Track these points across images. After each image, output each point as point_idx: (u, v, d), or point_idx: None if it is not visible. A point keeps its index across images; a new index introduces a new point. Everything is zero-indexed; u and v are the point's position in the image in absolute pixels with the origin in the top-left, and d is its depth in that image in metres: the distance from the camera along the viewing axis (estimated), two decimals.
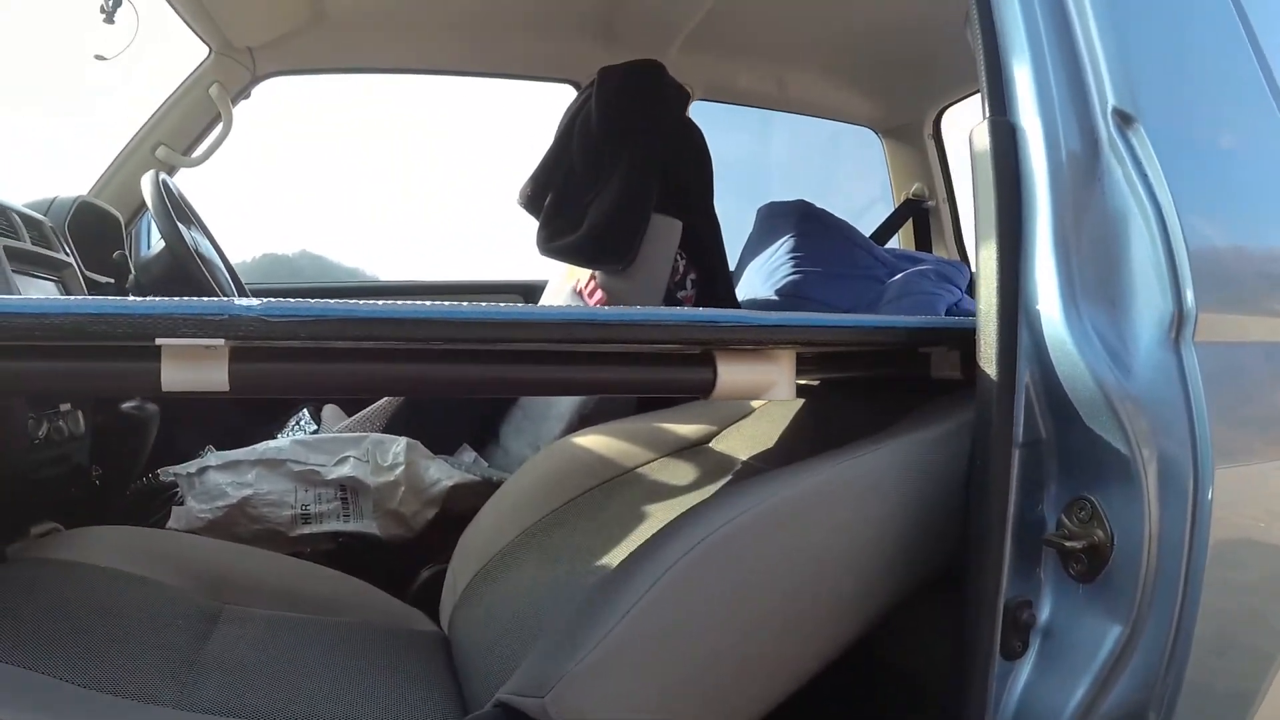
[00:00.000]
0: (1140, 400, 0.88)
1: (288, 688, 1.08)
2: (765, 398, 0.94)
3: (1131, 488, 0.87)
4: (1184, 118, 1.00)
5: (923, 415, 1.06)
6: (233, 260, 2.15)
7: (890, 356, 1.15)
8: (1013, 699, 0.94)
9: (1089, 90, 0.96)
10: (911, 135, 2.64)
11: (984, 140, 0.94)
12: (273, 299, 0.74)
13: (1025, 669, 0.94)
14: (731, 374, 0.90)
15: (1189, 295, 0.90)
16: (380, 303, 0.76)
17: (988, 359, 0.91)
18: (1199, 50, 1.08)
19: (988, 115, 0.95)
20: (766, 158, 3.03)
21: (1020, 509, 0.93)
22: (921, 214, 2.67)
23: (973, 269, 2.51)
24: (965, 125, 2.68)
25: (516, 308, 0.78)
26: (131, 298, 0.72)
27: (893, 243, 2.69)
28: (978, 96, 0.94)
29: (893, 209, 2.68)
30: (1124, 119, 0.94)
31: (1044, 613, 0.94)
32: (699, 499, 1.31)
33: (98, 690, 0.95)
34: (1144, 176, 0.93)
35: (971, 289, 2.43)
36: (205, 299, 0.73)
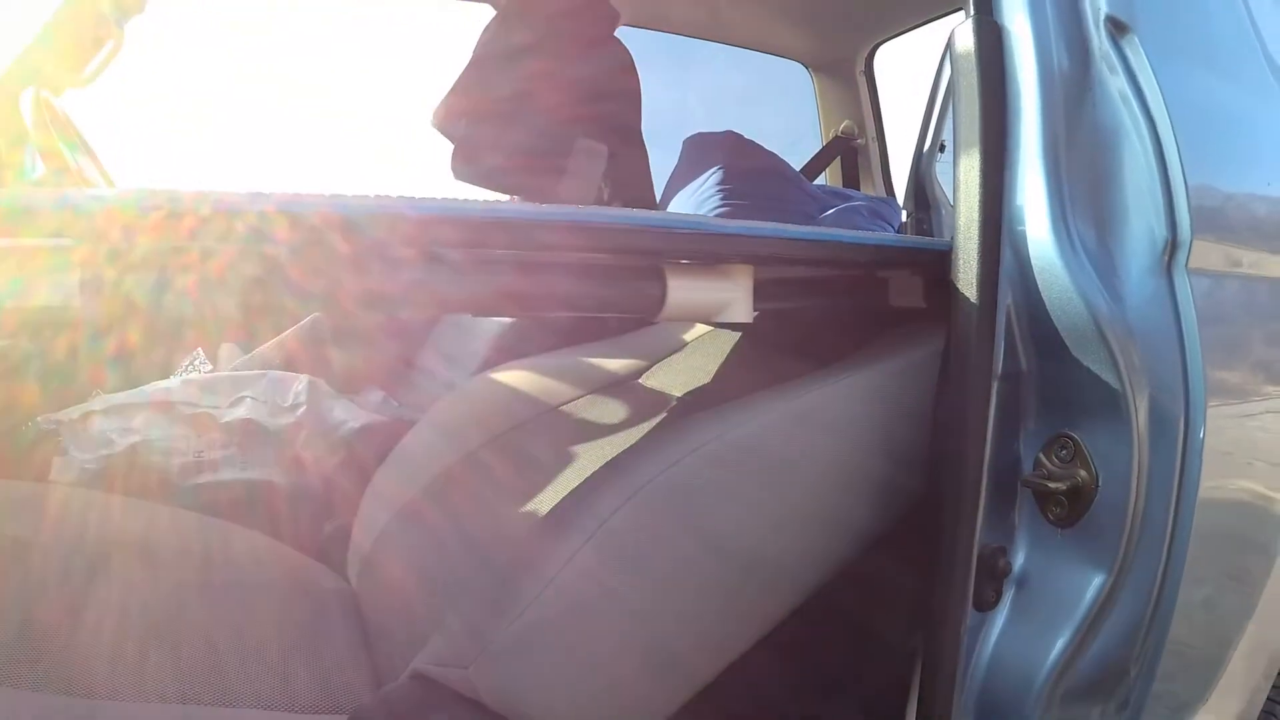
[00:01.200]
0: (1132, 330, 0.80)
1: (179, 662, 0.96)
2: (720, 319, 0.83)
3: (1119, 425, 0.80)
4: (1182, 29, 0.92)
5: (883, 345, 0.97)
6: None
7: (845, 283, 1.06)
8: (985, 652, 0.87)
9: None
10: (843, 71, 2.54)
11: (968, 40, 0.85)
12: (128, 189, 0.60)
13: (999, 620, 0.87)
14: (682, 291, 0.79)
15: (1184, 219, 0.83)
16: (308, 193, 0.63)
17: (966, 281, 0.83)
18: None
19: (972, 13, 0.85)
20: (692, 90, 2.92)
21: (997, 445, 0.85)
22: (850, 152, 2.59)
23: (903, 208, 2.45)
24: (896, 63, 2.61)
25: (429, 199, 0.65)
26: None
27: (820, 179, 2.61)
28: (910, 34, 0.86)
29: (821, 145, 2.60)
30: (1117, 27, 0.86)
31: (1018, 561, 0.87)
32: (630, 440, 1.20)
33: None
34: (1138, 90, 0.85)
35: (903, 230, 2.37)
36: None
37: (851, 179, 2.60)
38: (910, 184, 2.56)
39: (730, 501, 0.80)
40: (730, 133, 2.18)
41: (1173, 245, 0.83)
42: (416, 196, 0.66)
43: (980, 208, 0.82)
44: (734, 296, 0.82)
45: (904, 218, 2.48)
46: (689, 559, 0.77)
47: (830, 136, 2.58)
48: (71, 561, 1.10)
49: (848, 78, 2.55)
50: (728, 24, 2.39)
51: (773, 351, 1.27)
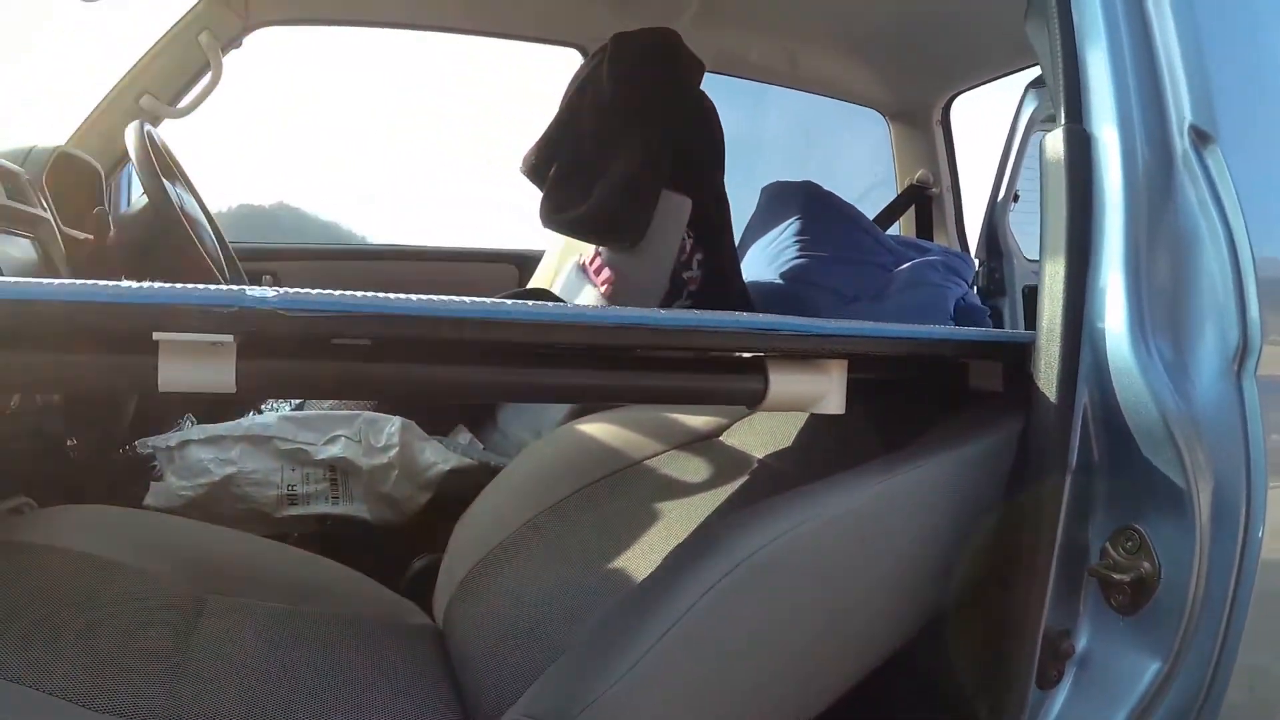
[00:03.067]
0: (1200, 432, 0.84)
1: (277, 696, 1.02)
2: (815, 410, 0.89)
3: (1183, 520, 0.84)
4: (1262, 140, 0.96)
5: (960, 429, 1.02)
6: (214, 209, 2.07)
7: (925, 363, 1.11)
8: None
9: (1166, 103, 0.92)
10: (919, 121, 2.59)
11: (1058, 148, 0.90)
12: (289, 290, 0.66)
13: (1059, 698, 0.92)
14: (783, 384, 0.85)
15: (1255, 326, 0.87)
16: (414, 298, 0.69)
17: (1047, 379, 0.88)
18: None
19: (1063, 122, 0.91)
20: (769, 135, 2.97)
21: (1068, 533, 0.89)
22: (924, 201, 2.63)
23: (974, 257, 2.48)
24: (974, 113, 2.64)
25: (559, 308, 0.72)
26: (126, 283, 0.65)
27: (894, 229, 2.65)
28: (988, 85, 0.90)
29: (896, 194, 2.64)
30: (1201, 137, 0.90)
31: (1081, 642, 0.91)
32: (714, 499, 1.26)
33: (64, 699, 0.86)
34: (1217, 199, 0.89)
35: (975, 280, 2.40)
36: (212, 289, 0.65)
37: (925, 228, 2.64)
38: (983, 233, 2.60)
39: (823, 578, 0.86)
40: (808, 182, 2.23)
41: (1243, 351, 0.87)
42: (533, 304, 0.72)
43: (1064, 309, 0.87)
44: (829, 389, 0.88)
45: (976, 266, 2.52)
46: (773, 631, 0.84)
47: (905, 185, 2.63)
48: (175, 593, 1.16)
49: (924, 127, 2.59)
50: (806, 70, 2.45)
51: (852, 420, 1.32)
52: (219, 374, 0.69)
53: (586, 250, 1.92)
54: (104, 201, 1.92)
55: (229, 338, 0.67)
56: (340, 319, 0.66)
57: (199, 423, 1.80)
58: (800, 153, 3.03)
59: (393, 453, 1.66)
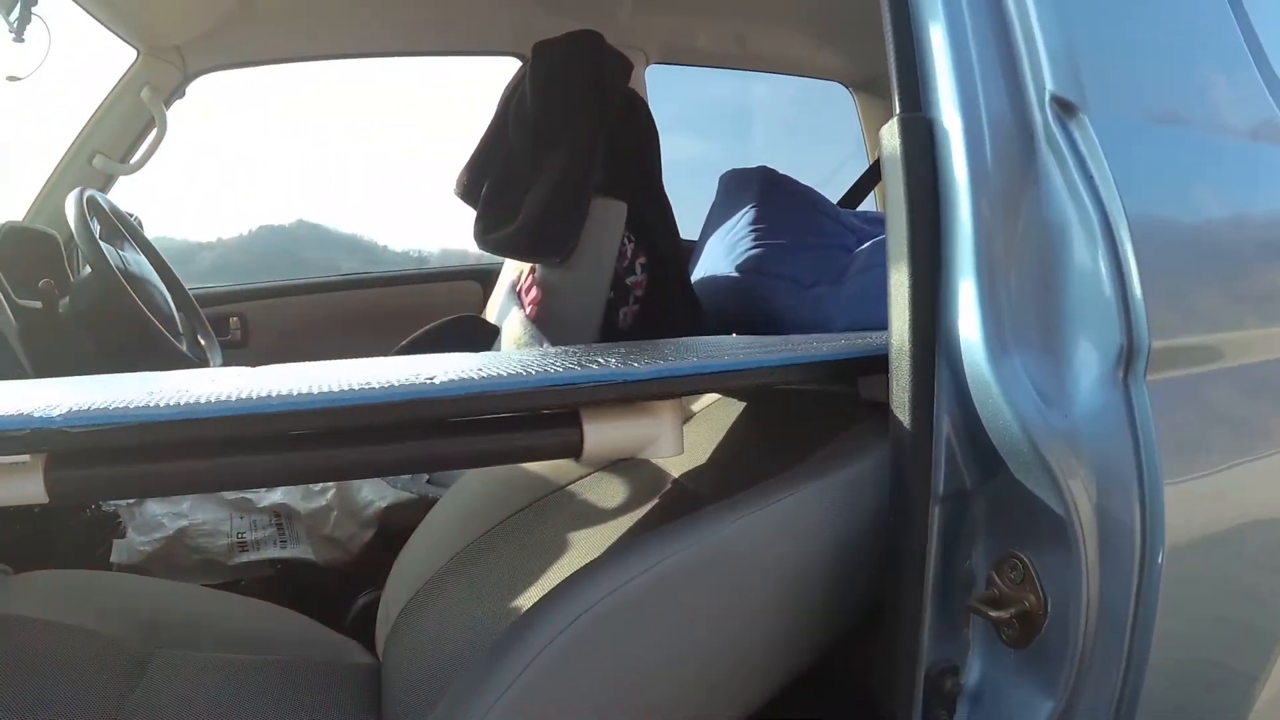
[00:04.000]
0: (1079, 451, 0.75)
1: None
2: (646, 455, 0.82)
3: (1067, 550, 0.76)
4: (1137, 106, 0.86)
5: (846, 447, 0.94)
6: (230, 237, 2.08)
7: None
8: None
9: (1022, 73, 0.82)
10: (884, 87, 2.48)
11: (894, 141, 0.81)
12: (76, 408, 0.63)
13: None
14: (601, 434, 0.79)
15: (1141, 324, 0.77)
16: (200, 398, 0.66)
17: (900, 403, 0.80)
18: (1163, 21, 0.94)
19: (897, 112, 0.82)
20: (747, 113, 2.89)
21: (944, 565, 0.81)
22: None
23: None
24: None
25: (338, 392, 0.67)
26: None
27: (868, 203, 2.54)
28: None
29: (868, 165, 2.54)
30: (1064, 108, 0.80)
31: (972, 677, 0.83)
32: (626, 524, 1.21)
33: None
34: (1088, 178, 0.79)
35: None
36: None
37: None
38: None
39: (679, 621, 0.80)
40: (763, 168, 2.15)
41: (1129, 353, 0.77)
42: (322, 388, 0.68)
43: (911, 324, 0.79)
44: (659, 432, 0.80)
45: None
46: (630, 674, 0.78)
47: (876, 155, 2.52)
48: (122, 650, 1.16)
49: (890, 95, 2.48)
50: (758, 50, 2.36)
51: (770, 429, 1.25)
52: (28, 487, 0.68)
53: (524, 269, 1.87)
54: (73, 269, 1.97)
55: (26, 458, 0.67)
56: (118, 430, 0.64)
57: None
58: (778, 132, 2.94)
59: (330, 494, 1.64)
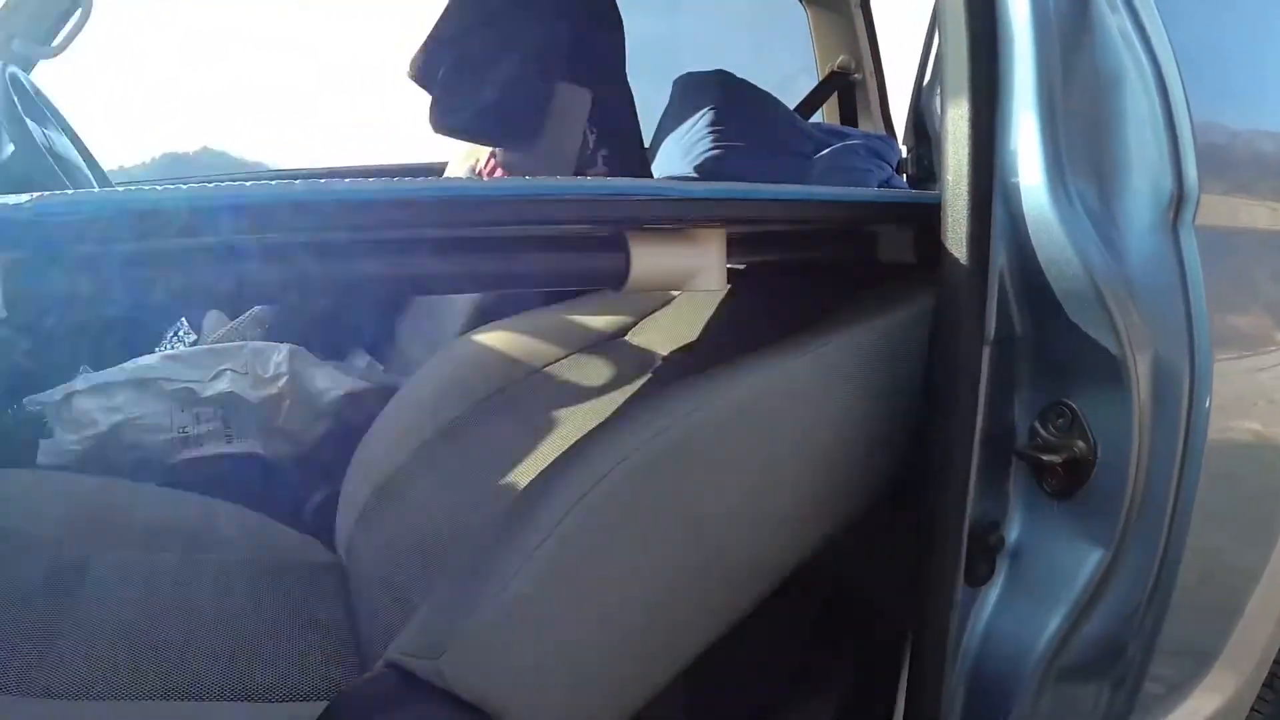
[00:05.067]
0: (1134, 291, 0.75)
1: (167, 653, 0.94)
2: (689, 288, 0.78)
3: (1120, 393, 0.75)
4: None
5: (873, 302, 0.92)
6: (129, 164, 1.93)
7: (830, 237, 1.00)
8: (978, 630, 0.83)
9: None
10: (838, 3, 2.45)
11: None
12: (46, 195, 0.55)
13: (992, 596, 0.83)
14: (648, 260, 0.74)
15: (1191, 172, 0.76)
16: (189, 185, 0.58)
17: (955, 239, 0.77)
18: None
19: None
20: (682, 30, 2.83)
21: (987, 417, 0.80)
22: (847, 88, 2.50)
23: (902, 144, 2.37)
24: None
25: (371, 185, 0.59)
26: None
27: (817, 117, 2.52)
28: None
29: (817, 82, 2.51)
30: None
31: (1013, 534, 0.83)
32: (613, 402, 1.16)
33: None
34: (1141, 30, 0.78)
35: (902, 167, 2.30)
36: None
37: (849, 116, 2.52)
38: (910, 118, 2.48)
39: (714, 475, 0.76)
40: (721, 72, 2.10)
41: (1179, 200, 0.77)
42: (358, 179, 0.61)
43: (970, 159, 0.76)
44: (704, 263, 0.76)
45: (904, 153, 2.41)
46: (663, 538, 0.74)
47: (826, 72, 2.50)
48: (57, 552, 1.08)
49: (843, 10, 2.45)
50: None
51: (760, 307, 1.22)
52: None
53: (482, 154, 1.79)
54: None
55: None
56: (104, 222, 0.56)
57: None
58: (717, 48, 2.89)
59: (282, 382, 1.55)
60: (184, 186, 0.58)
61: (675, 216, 0.71)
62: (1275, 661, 1.05)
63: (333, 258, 0.66)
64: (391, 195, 0.61)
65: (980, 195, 0.76)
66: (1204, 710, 0.95)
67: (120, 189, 0.57)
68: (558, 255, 0.73)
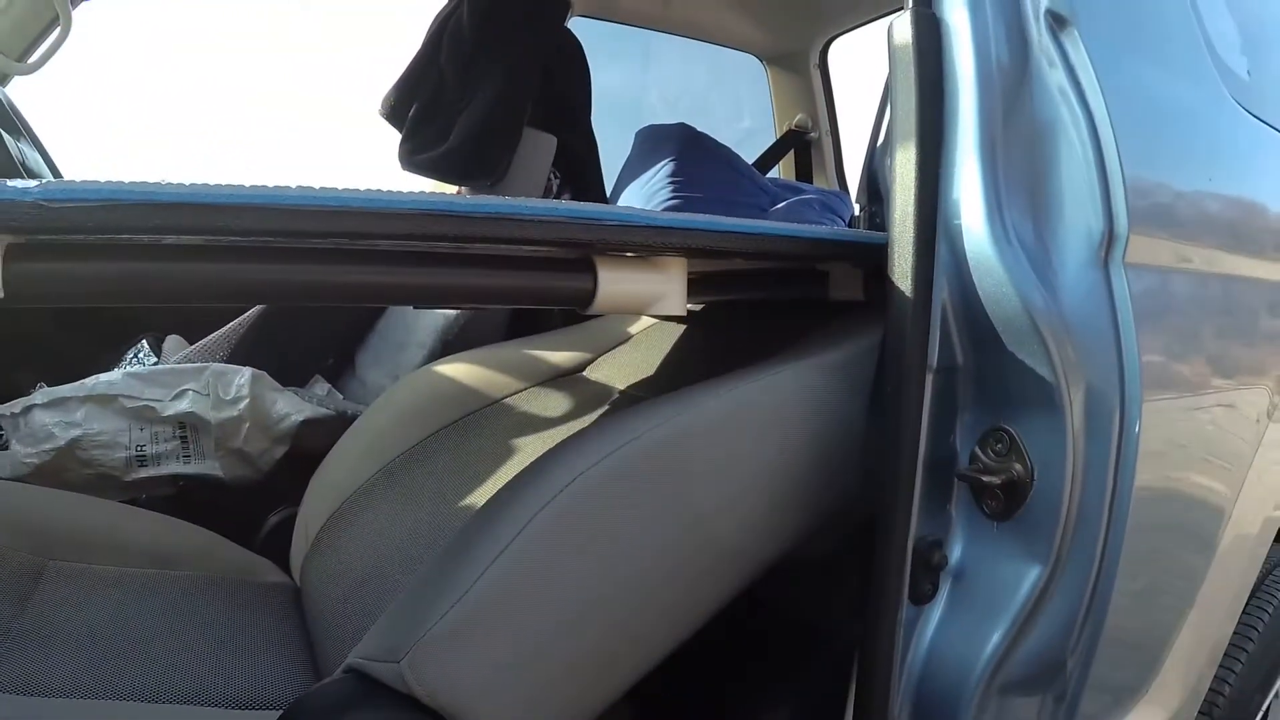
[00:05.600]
0: (1068, 324, 0.80)
1: (118, 658, 0.94)
2: (652, 312, 0.82)
3: (1054, 419, 0.80)
4: (1125, 24, 0.92)
5: (822, 338, 0.97)
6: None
7: (785, 276, 1.05)
8: (922, 646, 0.87)
9: None
10: (797, 64, 2.54)
11: (905, 33, 0.84)
12: (53, 181, 0.58)
13: (935, 614, 0.87)
14: (614, 283, 0.78)
15: (1121, 213, 0.83)
16: (188, 182, 0.61)
17: (901, 274, 0.82)
18: None
19: (910, 5, 0.85)
20: (647, 83, 2.90)
21: (931, 441, 0.84)
22: (804, 145, 2.59)
23: (855, 202, 2.45)
24: (853, 58, 2.60)
25: (357, 192, 0.63)
26: None
27: (773, 173, 2.60)
28: (867, 28, 0.86)
29: (775, 139, 2.59)
30: (1057, 21, 0.86)
31: (955, 553, 0.87)
32: (571, 431, 1.19)
33: None
34: (1077, 85, 0.85)
35: (854, 223, 2.37)
36: None
37: (805, 173, 2.60)
38: (863, 177, 2.56)
39: (663, 495, 0.79)
40: (682, 125, 2.16)
41: (1109, 239, 0.83)
42: (340, 188, 0.64)
43: (915, 201, 0.82)
44: (667, 289, 0.81)
45: (856, 211, 2.49)
46: (620, 548, 0.76)
47: (784, 130, 2.58)
48: (11, 561, 1.08)
49: (802, 71, 2.54)
50: (679, 15, 2.38)
51: (716, 345, 1.26)
52: None
53: (449, 193, 1.83)
54: None
55: None
56: (109, 208, 0.57)
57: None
58: (678, 101, 2.96)
59: (243, 405, 1.56)
60: (195, 183, 0.61)
61: (642, 243, 0.75)
62: (1212, 690, 1.10)
63: (315, 262, 0.69)
64: (380, 205, 0.64)
65: (925, 233, 0.81)
66: None
67: (128, 181, 0.60)
68: (528, 274, 0.77)
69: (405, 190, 0.67)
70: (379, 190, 0.64)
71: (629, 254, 0.80)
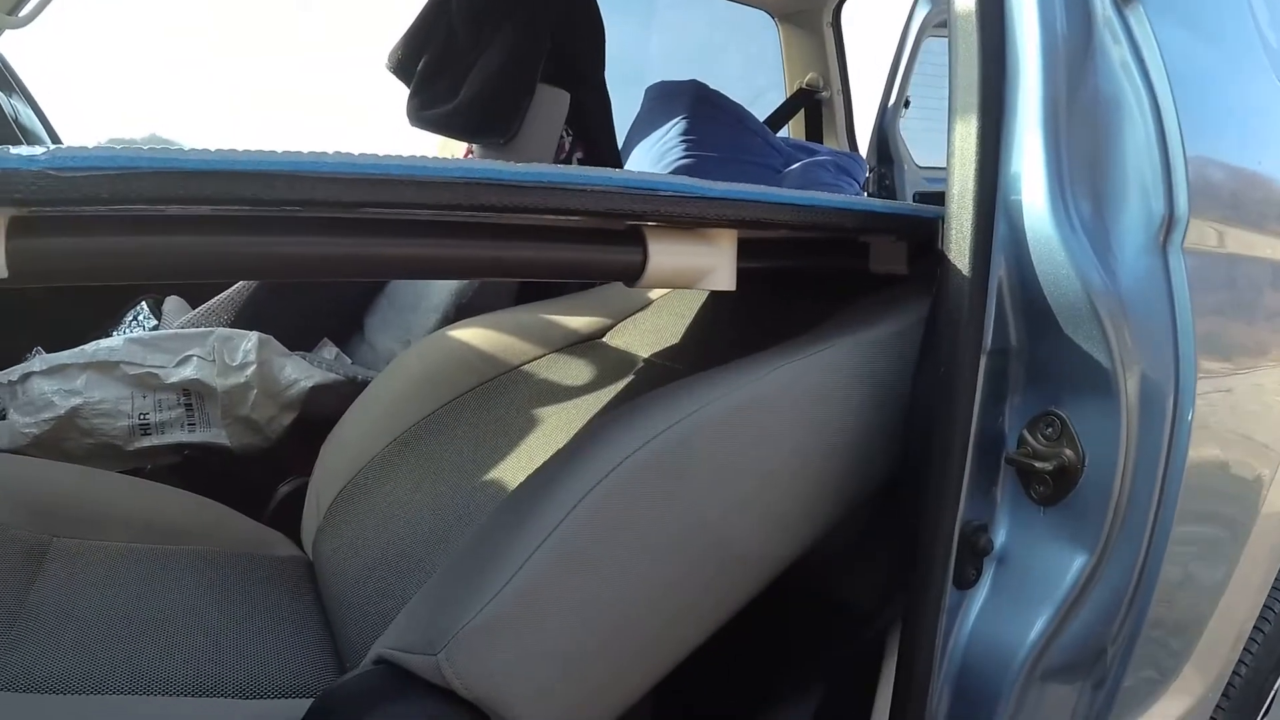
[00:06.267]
0: (1126, 308, 0.77)
1: (128, 642, 0.91)
2: (702, 286, 0.79)
3: (1109, 404, 0.78)
4: (1185, 2, 0.89)
5: (860, 313, 0.94)
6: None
7: (824, 246, 1.02)
8: (964, 632, 0.85)
9: None
10: (810, 22, 2.49)
11: (968, 2, 0.80)
12: (63, 147, 0.53)
13: (978, 599, 0.85)
14: (664, 256, 0.75)
15: (1182, 196, 0.80)
16: (212, 150, 0.57)
17: (958, 250, 0.79)
18: None
19: None
20: (654, 41, 2.84)
21: (980, 424, 0.82)
22: (814, 105, 2.55)
23: (868, 170, 2.41)
24: (864, 17, 2.56)
25: (399, 159, 0.59)
26: None
27: (783, 133, 2.56)
28: None
29: (785, 98, 2.55)
30: None
31: (1000, 538, 0.85)
32: (596, 401, 1.17)
33: None
34: (1140, 61, 0.82)
35: (865, 185, 2.34)
36: None
37: (815, 132, 2.56)
38: (874, 139, 2.53)
39: (704, 478, 0.76)
40: (694, 82, 2.13)
41: (1169, 223, 0.80)
42: (380, 155, 0.61)
43: (976, 175, 0.79)
44: (717, 263, 0.78)
45: (867, 171, 2.45)
46: (662, 537, 0.74)
47: (795, 89, 2.54)
48: (15, 539, 1.05)
49: (814, 29, 2.50)
50: None
51: (741, 312, 1.23)
52: None
53: (458, 150, 1.79)
54: None
55: None
56: (124, 178, 0.52)
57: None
58: (689, 59, 2.91)
59: (250, 371, 1.52)
60: (215, 150, 0.57)
61: (697, 215, 0.71)
62: (1234, 672, 1.09)
63: (348, 235, 0.66)
64: (425, 173, 0.61)
65: (984, 210, 0.78)
66: (1174, 711, 0.98)
67: (145, 147, 0.55)
68: (575, 247, 0.73)
69: (451, 159, 0.63)
70: (422, 158, 0.60)
71: (679, 226, 0.77)
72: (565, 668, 0.72)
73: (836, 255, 1.01)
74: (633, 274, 0.75)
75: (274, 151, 0.58)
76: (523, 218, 0.71)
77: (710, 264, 0.78)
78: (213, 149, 0.57)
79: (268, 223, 0.64)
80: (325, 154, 0.59)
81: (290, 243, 0.64)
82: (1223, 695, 1.12)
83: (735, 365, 0.84)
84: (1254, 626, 1.15)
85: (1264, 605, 1.17)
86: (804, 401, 0.81)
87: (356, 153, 0.61)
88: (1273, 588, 1.19)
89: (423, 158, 0.62)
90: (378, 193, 0.60)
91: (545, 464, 0.82)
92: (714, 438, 0.76)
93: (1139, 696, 0.94)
